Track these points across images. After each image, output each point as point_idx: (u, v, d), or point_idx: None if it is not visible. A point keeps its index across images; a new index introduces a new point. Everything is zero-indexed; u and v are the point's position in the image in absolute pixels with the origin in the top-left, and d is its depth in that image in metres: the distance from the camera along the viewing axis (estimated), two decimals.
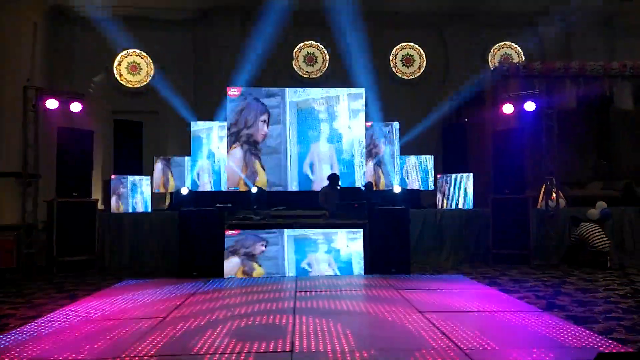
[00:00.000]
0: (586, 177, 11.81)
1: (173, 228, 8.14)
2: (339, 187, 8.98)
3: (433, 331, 4.20)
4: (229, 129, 10.50)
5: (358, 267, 7.31)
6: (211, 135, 10.55)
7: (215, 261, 7.18)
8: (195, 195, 9.76)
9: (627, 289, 6.12)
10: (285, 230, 7.31)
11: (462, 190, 9.50)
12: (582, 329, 4.24)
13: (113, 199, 8.97)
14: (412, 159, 10.75)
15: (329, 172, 9.65)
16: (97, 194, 9.28)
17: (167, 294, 6.00)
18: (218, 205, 7.71)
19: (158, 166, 10.23)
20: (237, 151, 10.51)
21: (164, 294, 5.97)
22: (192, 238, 7.28)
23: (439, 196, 9.85)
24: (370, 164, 10.67)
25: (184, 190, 9.60)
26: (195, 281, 6.82)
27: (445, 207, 9.58)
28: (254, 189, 8.87)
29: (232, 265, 7.19)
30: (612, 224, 8.67)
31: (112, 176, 8.88)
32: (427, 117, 12.81)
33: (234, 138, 10.51)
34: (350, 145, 10.67)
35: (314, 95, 10.77)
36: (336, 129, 10.70)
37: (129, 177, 9.05)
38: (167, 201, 11.06)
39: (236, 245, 7.21)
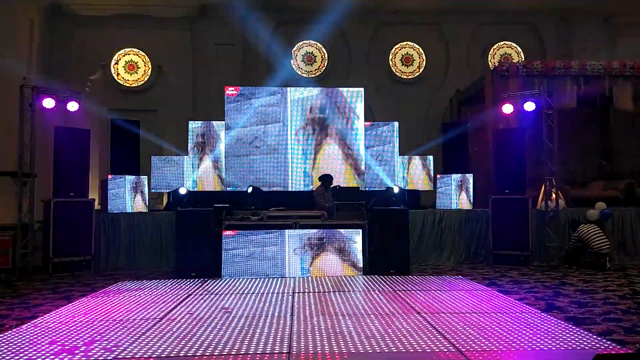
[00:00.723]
0: (587, 177, 11.77)
1: (170, 228, 8.10)
2: (337, 187, 8.93)
3: (431, 332, 4.16)
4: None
5: (359, 267, 7.26)
6: (216, 135, 10.47)
7: (213, 262, 7.12)
8: (192, 195, 9.69)
9: (626, 290, 6.08)
10: (287, 230, 7.27)
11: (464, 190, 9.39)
12: (581, 330, 4.20)
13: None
14: (416, 159, 10.68)
15: (332, 173, 9.59)
16: (93, 194, 9.22)
17: (164, 294, 5.95)
18: (215, 205, 7.66)
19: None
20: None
21: (160, 295, 5.92)
22: (190, 238, 7.23)
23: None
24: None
25: (182, 190, 9.54)
26: (193, 282, 6.78)
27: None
28: (250, 189, 8.80)
29: None
30: (613, 225, 8.62)
31: (109, 175, 8.82)
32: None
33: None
34: (350, 144, 10.62)
35: (315, 94, 10.71)
36: (337, 128, 10.64)
37: (127, 176, 8.98)
38: (165, 201, 10.99)
39: None
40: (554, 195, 8.57)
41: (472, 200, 9.26)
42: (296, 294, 5.89)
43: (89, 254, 7.90)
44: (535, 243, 8.28)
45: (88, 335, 4.19)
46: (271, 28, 13.02)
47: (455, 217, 8.85)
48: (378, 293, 5.96)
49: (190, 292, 6.05)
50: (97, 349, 3.81)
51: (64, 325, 4.51)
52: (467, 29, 13.78)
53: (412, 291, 6.04)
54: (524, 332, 4.18)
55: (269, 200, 8.80)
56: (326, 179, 8.82)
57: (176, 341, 3.99)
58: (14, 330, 4.37)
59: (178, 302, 5.51)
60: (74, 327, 4.46)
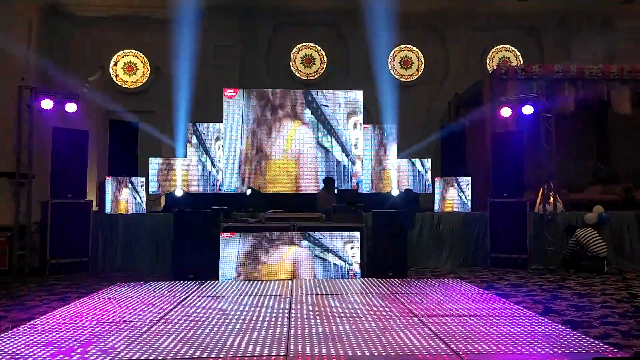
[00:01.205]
0: (585, 181, 11.79)
1: (168, 230, 8.08)
2: (335, 190, 8.95)
3: (429, 335, 4.15)
4: None
5: (356, 270, 7.26)
6: (214, 137, 10.48)
7: (211, 264, 7.11)
8: (190, 197, 9.69)
9: (623, 294, 6.09)
10: (285, 233, 7.25)
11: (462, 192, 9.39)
12: (579, 334, 4.20)
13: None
14: (415, 162, 10.70)
15: (332, 176, 9.63)
16: (91, 195, 9.19)
17: (161, 296, 5.94)
18: (213, 207, 7.65)
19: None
20: None
21: (158, 297, 5.91)
22: (187, 240, 7.22)
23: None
24: None
25: (180, 192, 9.53)
26: (190, 284, 6.76)
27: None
28: (249, 191, 8.80)
29: None
30: (611, 229, 8.63)
31: (107, 177, 8.81)
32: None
33: None
34: (349, 147, 10.63)
35: (313, 97, 10.73)
36: (336, 131, 10.65)
37: (125, 177, 8.96)
38: (162, 203, 10.98)
39: None
40: (551, 199, 8.58)
41: (470, 203, 9.28)
42: (293, 296, 5.88)
43: (86, 255, 7.89)
44: (533, 246, 8.29)
45: (85, 337, 4.18)
46: (270, 30, 13.03)
47: (454, 219, 8.85)
48: (376, 296, 5.95)
49: (187, 294, 6.04)
50: (93, 350, 3.80)
51: (60, 327, 4.50)
52: (465, 33, 13.80)
53: (410, 294, 6.04)
54: (522, 335, 4.17)
55: (268, 203, 8.80)
56: (328, 181, 8.86)
57: (173, 343, 3.97)
58: (10, 331, 4.35)
59: (175, 304, 5.49)
60: (71, 328, 4.45)
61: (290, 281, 6.96)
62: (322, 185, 9.15)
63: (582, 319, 4.79)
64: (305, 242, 7.24)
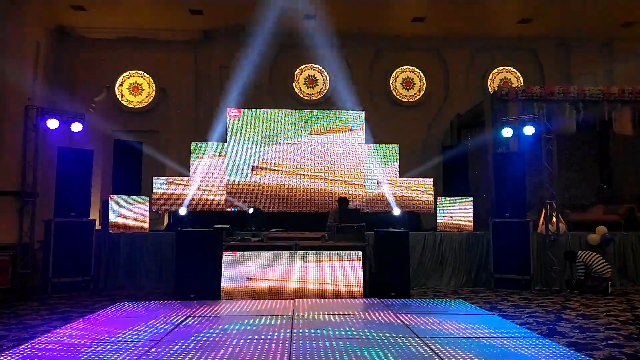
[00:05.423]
0: (588, 201, 11.78)
1: (170, 249, 8.08)
2: (348, 209, 8.94)
3: (432, 357, 4.12)
4: None
5: (359, 290, 7.22)
6: (218, 156, 10.56)
7: (213, 283, 7.08)
8: (193, 215, 9.70)
9: (628, 316, 6.03)
10: (287, 252, 7.25)
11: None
12: (583, 356, 4.16)
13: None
14: (417, 181, 10.74)
15: (339, 196, 9.65)
16: (95, 214, 9.22)
17: (163, 316, 5.91)
18: (215, 226, 7.66)
19: None
20: None
21: (159, 317, 5.88)
22: (189, 259, 7.21)
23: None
24: None
25: (183, 211, 9.56)
26: (191, 303, 6.73)
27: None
28: (251, 210, 8.83)
29: None
30: (615, 250, 8.59)
31: (111, 196, 8.85)
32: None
33: None
34: (353, 167, 10.68)
35: (315, 117, 10.83)
36: (339, 151, 10.71)
37: (128, 196, 9.00)
38: (165, 221, 11.00)
39: None
40: (554, 219, 8.57)
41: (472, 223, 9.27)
42: (295, 317, 5.84)
43: (88, 274, 7.90)
44: (536, 267, 8.25)
45: (85, 356, 4.16)
46: (274, 51, 13.21)
47: (456, 239, 8.83)
48: (378, 316, 5.91)
49: (189, 314, 6.01)
50: None
51: (61, 347, 4.48)
52: (466, 54, 13.96)
53: (413, 315, 5.99)
54: (526, 357, 4.13)
55: (270, 222, 8.80)
56: (341, 201, 8.88)
57: None
58: (11, 351, 4.33)
59: (177, 323, 5.47)
60: (72, 348, 4.43)
61: (291, 301, 6.92)
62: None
63: (586, 341, 4.75)
64: (307, 261, 7.22)
